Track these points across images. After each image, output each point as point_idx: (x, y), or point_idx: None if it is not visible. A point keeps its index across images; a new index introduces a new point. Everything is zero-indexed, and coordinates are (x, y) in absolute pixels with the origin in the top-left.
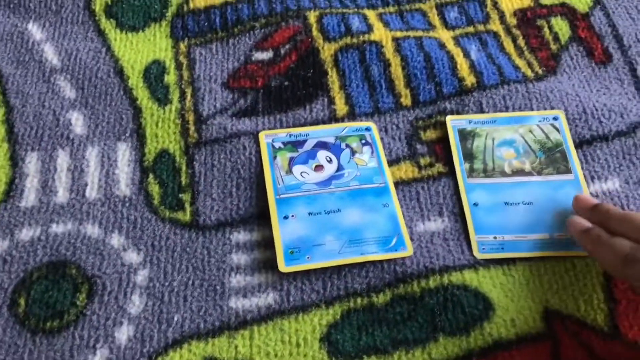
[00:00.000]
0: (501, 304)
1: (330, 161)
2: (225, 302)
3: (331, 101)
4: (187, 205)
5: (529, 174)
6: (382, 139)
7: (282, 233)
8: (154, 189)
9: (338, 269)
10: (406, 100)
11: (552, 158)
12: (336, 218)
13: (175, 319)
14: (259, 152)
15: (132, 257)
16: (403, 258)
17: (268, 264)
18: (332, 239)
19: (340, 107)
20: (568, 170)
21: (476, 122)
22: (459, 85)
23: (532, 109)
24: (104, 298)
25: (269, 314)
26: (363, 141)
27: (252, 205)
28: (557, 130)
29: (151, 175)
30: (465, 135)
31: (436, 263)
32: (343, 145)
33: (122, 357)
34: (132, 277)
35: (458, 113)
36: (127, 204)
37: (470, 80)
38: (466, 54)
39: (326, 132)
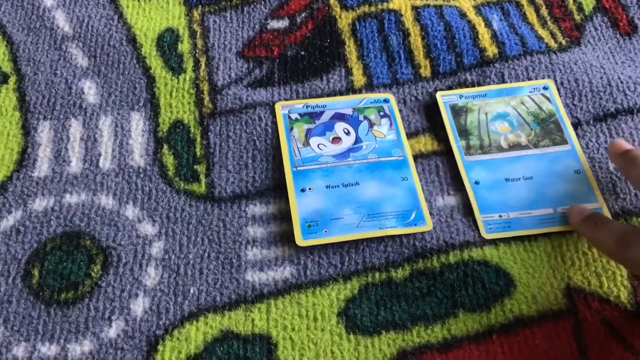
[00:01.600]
0: (522, 280)
1: (348, 133)
2: (242, 275)
3: (348, 72)
4: (202, 177)
5: (526, 147)
6: (400, 111)
7: (299, 206)
8: (169, 160)
9: (356, 243)
10: (426, 71)
11: (547, 129)
12: (354, 191)
13: (192, 291)
14: (275, 123)
15: (147, 228)
16: (422, 233)
17: (285, 237)
18: (350, 212)
19: (358, 78)
20: (564, 141)
21: (467, 97)
22: (480, 56)
23: (555, 81)
24: (119, 270)
25: (286, 288)
26: (381, 113)
27: (268, 177)
28: (549, 100)
29: (165, 146)
30: (457, 111)
31: (456, 238)
32: (361, 117)
33: (138, 329)
34: (147, 248)
35: (479, 85)
36: (142, 175)
37: (492, 50)
38: (488, 24)
39: (344, 103)
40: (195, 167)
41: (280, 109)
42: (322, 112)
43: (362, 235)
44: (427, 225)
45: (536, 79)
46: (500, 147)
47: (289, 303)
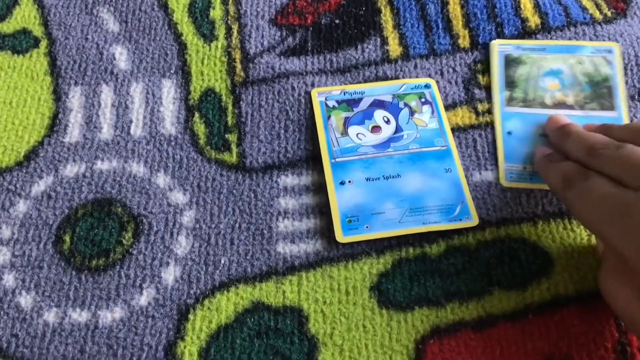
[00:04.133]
0: (560, 260)
1: (387, 122)
2: (273, 247)
3: (384, 41)
4: (233, 147)
5: (571, 107)
6: (437, 82)
7: (339, 200)
8: (200, 128)
9: None
10: (464, 41)
11: (598, 93)
12: (396, 184)
13: (222, 261)
14: (308, 93)
15: (178, 197)
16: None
17: (316, 210)
18: (392, 206)
19: (394, 48)
20: (612, 107)
21: (524, 49)
22: (522, 26)
23: None
24: (150, 238)
25: (318, 261)
26: (422, 99)
27: (301, 148)
28: (609, 63)
29: (197, 114)
30: (509, 62)
31: (493, 215)
32: (401, 104)
33: (169, 298)
34: (178, 217)
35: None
36: (173, 143)
37: (534, 21)
38: None
39: (383, 89)
40: (226, 136)
41: (317, 95)
42: (360, 99)
43: (404, 231)
44: (473, 220)
45: None
46: (543, 104)
47: (320, 276)
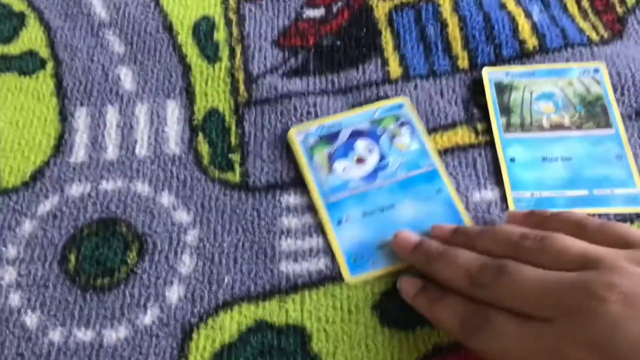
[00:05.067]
0: None
1: (370, 151)
2: (276, 266)
3: (385, 62)
4: (236, 166)
5: (568, 128)
6: (437, 102)
7: (340, 240)
8: (204, 148)
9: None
10: (463, 62)
11: (593, 112)
12: (392, 215)
13: (226, 280)
14: (310, 113)
15: (182, 216)
16: None
17: (319, 229)
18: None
19: (394, 69)
20: (608, 125)
21: (514, 75)
22: (520, 47)
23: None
24: (155, 257)
25: (320, 279)
26: (400, 121)
27: None
28: (598, 83)
29: (200, 135)
30: (502, 89)
31: None
32: (380, 130)
33: (173, 317)
34: (182, 236)
35: None
36: (177, 163)
37: (532, 42)
38: (528, 15)
39: (359, 117)
40: (229, 155)
41: (296, 135)
42: (338, 132)
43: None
44: None
45: None
46: (541, 127)
47: (323, 295)
